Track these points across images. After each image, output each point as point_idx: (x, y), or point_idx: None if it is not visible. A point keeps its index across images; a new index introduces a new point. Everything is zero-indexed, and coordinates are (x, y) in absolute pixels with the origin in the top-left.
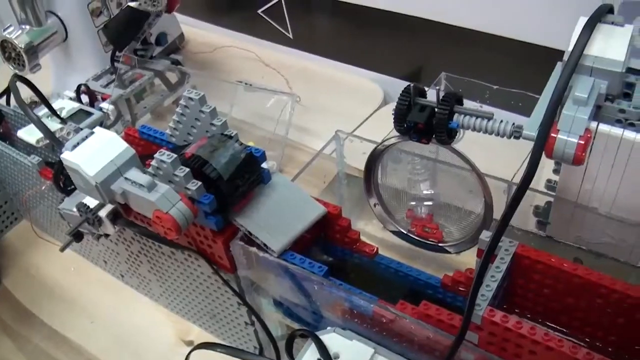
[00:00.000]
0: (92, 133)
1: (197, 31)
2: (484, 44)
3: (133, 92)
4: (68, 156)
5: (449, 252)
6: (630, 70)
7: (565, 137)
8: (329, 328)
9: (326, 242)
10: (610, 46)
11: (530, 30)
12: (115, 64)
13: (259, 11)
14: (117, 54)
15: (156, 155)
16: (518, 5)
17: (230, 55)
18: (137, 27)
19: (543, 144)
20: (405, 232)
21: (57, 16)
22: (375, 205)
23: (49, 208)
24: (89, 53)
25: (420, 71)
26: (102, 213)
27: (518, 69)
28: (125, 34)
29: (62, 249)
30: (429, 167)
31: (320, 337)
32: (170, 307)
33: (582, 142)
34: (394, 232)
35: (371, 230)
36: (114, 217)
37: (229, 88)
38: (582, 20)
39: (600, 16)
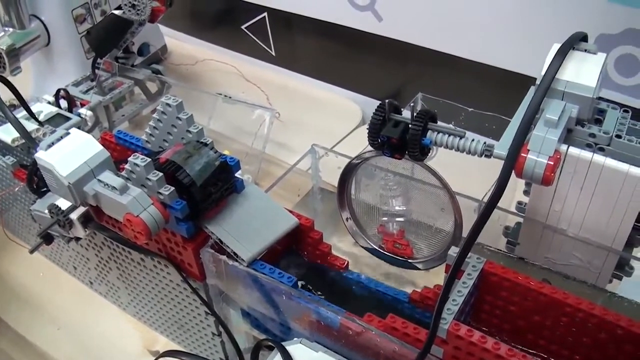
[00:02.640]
0: (68, 134)
1: (181, 44)
2: (463, 70)
3: (112, 100)
4: (42, 155)
5: (418, 269)
6: (602, 98)
7: (535, 157)
8: (295, 339)
9: (297, 254)
10: (582, 72)
11: (508, 58)
12: (96, 70)
13: (243, 27)
14: (99, 61)
15: (130, 159)
16: (497, 33)
17: (212, 69)
18: (120, 35)
19: (513, 162)
20: (376, 248)
21: (40, 20)
22: (347, 219)
23: (21, 211)
24: (70, 59)
25: (399, 93)
26: (74, 215)
27: (495, 95)
28: (108, 40)
29: (32, 251)
30: (401, 183)
31: (286, 347)
32: (138, 316)
33: (552, 162)
34: (365, 248)
35: (344, 246)
36: (85, 220)
37: (208, 100)
38: (556, 47)
39: (573, 43)
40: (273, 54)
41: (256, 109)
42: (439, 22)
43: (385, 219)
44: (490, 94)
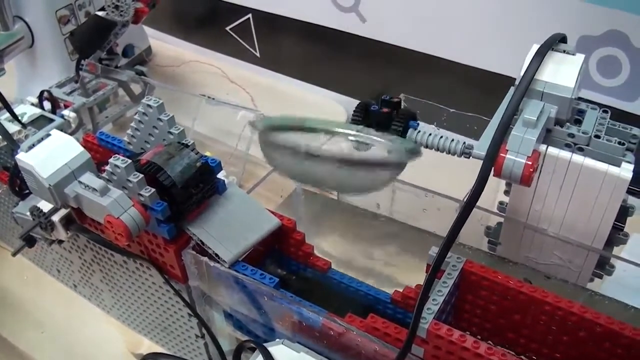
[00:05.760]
0: (49, 135)
1: (165, 45)
2: (446, 71)
3: (96, 101)
4: (23, 157)
5: None
6: (582, 99)
7: (514, 157)
8: (277, 340)
9: (280, 255)
10: (561, 73)
11: (490, 59)
12: (80, 72)
13: (227, 28)
14: (82, 62)
15: (111, 160)
16: (479, 34)
17: (197, 70)
18: (103, 36)
19: (492, 162)
20: None
21: (24, 22)
22: None
23: (4, 213)
24: (54, 60)
25: (383, 94)
26: (55, 218)
27: (477, 96)
28: (91, 42)
29: (14, 254)
30: None
31: (268, 348)
32: (122, 318)
33: (530, 162)
34: None
35: (327, 248)
36: (67, 222)
37: (192, 102)
38: (535, 47)
39: (552, 44)
40: (258, 55)
41: (240, 111)
42: (422, 23)
43: None
44: (473, 95)
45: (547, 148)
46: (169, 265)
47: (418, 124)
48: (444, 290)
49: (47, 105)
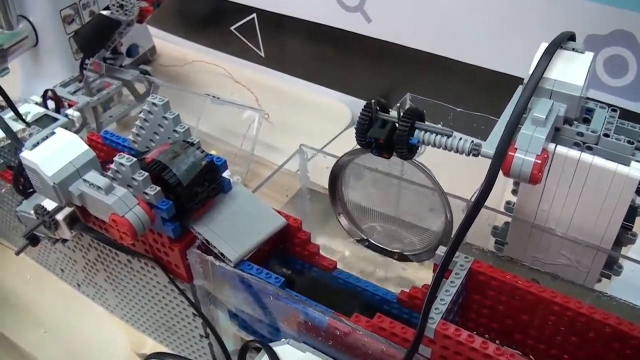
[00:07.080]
0: (53, 133)
1: (170, 45)
2: (452, 71)
3: (100, 101)
4: (27, 155)
5: (412, 261)
6: (590, 99)
7: (523, 156)
8: (283, 340)
9: (285, 255)
10: (570, 71)
11: (496, 59)
12: (84, 71)
13: (232, 28)
14: (87, 61)
15: (116, 158)
16: (485, 34)
17: (201, 70)
18: (108, 35)
19: (500, 160)
20: (370, 241)
21: (29, 21)
22: (340, 214)
23: (7, 212)
24: (58, 60)
25: (388, 94)
26: (60, 216)
27: (483, 96)
28: (95, 41)
29: (18, 253)
30: (391, 183)
31: (274, 348)
32: (126, 318)
33: (539, 161)
34: (359, 241)
35: (333, 246)
36: (71, 221)
37: (197, 102)
38: (544, 46)
39: (561, 42)
40: (262, 55)
41: (245, 110)
42: (428, 23)
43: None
44: (479, 94)
45: (555, 147)
46: (174, 264)
47: (418, 140)
48: (451, 290)
49: (51, 104)
